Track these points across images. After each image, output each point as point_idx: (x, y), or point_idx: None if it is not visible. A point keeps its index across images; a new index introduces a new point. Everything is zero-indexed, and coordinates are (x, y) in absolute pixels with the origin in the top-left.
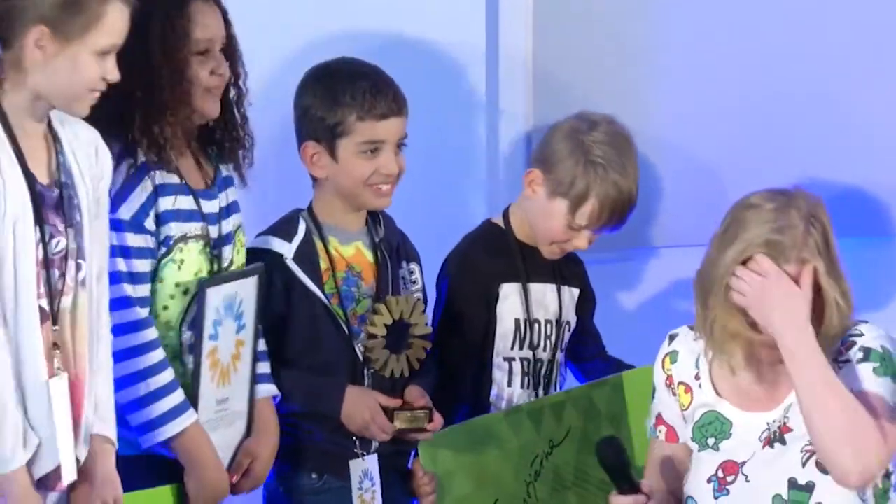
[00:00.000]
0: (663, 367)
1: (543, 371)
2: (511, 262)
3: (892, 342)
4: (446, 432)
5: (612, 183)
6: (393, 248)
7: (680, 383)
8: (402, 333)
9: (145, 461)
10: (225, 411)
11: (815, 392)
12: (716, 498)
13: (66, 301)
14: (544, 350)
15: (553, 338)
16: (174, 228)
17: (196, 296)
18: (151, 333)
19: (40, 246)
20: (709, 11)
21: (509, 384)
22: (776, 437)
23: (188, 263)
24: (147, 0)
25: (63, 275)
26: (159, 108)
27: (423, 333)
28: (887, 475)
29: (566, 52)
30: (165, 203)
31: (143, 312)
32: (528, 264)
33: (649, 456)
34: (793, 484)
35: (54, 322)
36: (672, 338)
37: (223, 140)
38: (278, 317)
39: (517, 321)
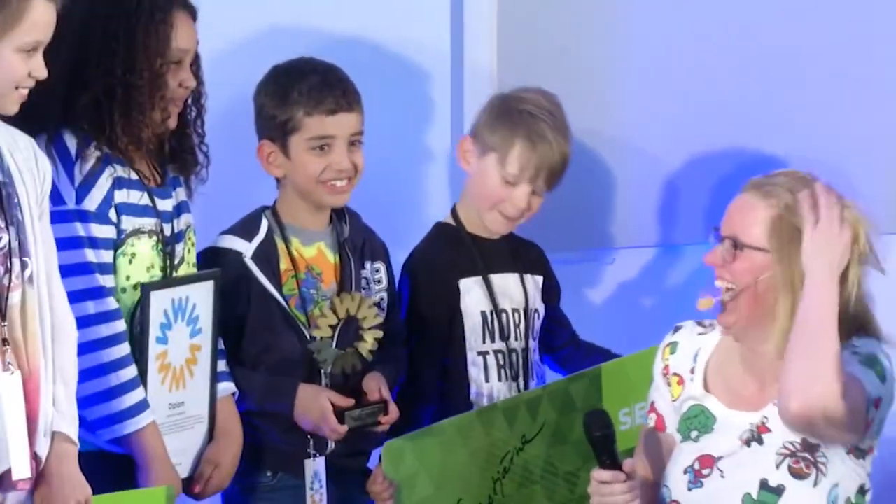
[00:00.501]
0: (662, 357)
1: (519, 361)
2: (467, 257)
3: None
4: (412, 435)
5: (538, 128)
6: (357, 248)
7: (675, 374)
8: (352, 329)
9: (92, 457)
10: (179, 416)
11: (809, 324)
12: (689, 489)
13: (14, 297)
14: (516, 339)
15: (522, 326)
16: (126, 222)
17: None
18: (121, 325)
19: None
20: (673, 15)
21: (487, 380)
22: (754, 436)
23: (140, 258)
24: (132, 3)
25: (8, 271)
26: (136, 108)
27: (373, 325)
28: (862, 491)
29: (529, 53)
30: (121, 196)
31: (114, 303)
32: (485, 256)
33: (639, 441)
34: (763, 485)
35: (3, 318)
36: (676, 329)
37: (176, 153)
38: (235, 316)
39: (483, 313)
